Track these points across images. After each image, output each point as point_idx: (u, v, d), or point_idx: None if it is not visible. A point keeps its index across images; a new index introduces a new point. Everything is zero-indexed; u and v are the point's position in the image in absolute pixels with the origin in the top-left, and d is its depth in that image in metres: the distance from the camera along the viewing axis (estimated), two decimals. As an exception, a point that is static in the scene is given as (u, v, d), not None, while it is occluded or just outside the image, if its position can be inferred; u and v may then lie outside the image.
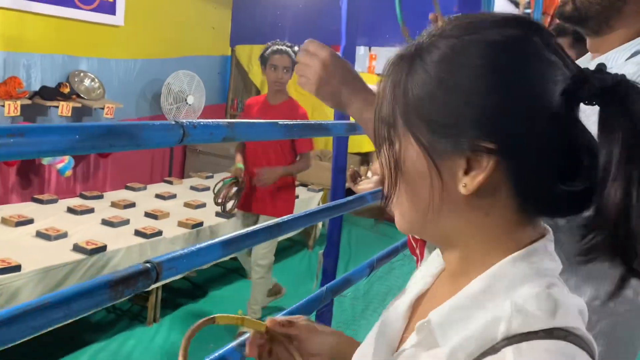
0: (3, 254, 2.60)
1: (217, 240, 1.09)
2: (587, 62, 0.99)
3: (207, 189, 4.42)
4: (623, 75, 0.51)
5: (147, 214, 3.54)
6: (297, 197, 3.73)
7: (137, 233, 3.19)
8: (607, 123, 0.50)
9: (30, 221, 3.14)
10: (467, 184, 0.52)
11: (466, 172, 0.52)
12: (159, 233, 3.25)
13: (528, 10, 4.07)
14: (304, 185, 5.03)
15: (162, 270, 0.93)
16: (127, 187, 4.22)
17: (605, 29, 0.94)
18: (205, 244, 1.06)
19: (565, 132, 0.52)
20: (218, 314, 0.72)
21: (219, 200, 3.19)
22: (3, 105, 3.85)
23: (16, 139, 0.65)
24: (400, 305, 0.65)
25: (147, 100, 5.25)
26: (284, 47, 3.17)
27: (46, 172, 4.02)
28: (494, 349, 0.49)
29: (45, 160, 3.79)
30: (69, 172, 3.97)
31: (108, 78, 4.71)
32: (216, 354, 1.15)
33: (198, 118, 5.49)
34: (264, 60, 3.22)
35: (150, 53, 5.13)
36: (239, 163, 3.29)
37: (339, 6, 2.23)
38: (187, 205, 3.91)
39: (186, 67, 5.29)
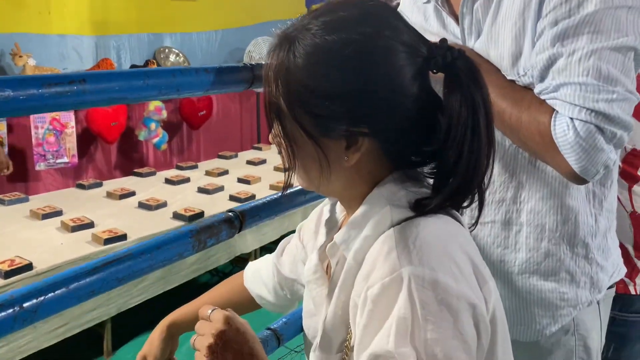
0: (110, 225, 2.76)
1: (298, 187, 1.05)
2: None
3: (296, 151, 4.45)
4: (462, 52, 0.64)
5: (240, 180, 3.63)
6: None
7: (232, 198, 3.28)
8: (450, 89, 0.63)
9: (132, 193, 3.31)
10: (348, 158, 0.65)
11: (347, 148, 0.65)
12: (253, 197, 3.31)
13: None
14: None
15: (246, 219, 0.90)
16: (219, 156, 4.37)
17: None
18: (288, 192, 1.02)
19: (420, 105, 0.64)
20: None
21: None
22: (99, 88, 4.05)
23: (79, 86, 0.63)
24: (310, 261, 0.78)
25: (230, 70, 5.33)
26: None
27: (144, 147, 4.20)
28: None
29: (142, 136, 3.96)
30: (164, 146, 4.13)
31: (191, 51, 4.82)
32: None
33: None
34: None
35: (228, 23, 5.18)
36: None
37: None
38: (277, 169, 3.95)
39: (265, 33, 5.28)
